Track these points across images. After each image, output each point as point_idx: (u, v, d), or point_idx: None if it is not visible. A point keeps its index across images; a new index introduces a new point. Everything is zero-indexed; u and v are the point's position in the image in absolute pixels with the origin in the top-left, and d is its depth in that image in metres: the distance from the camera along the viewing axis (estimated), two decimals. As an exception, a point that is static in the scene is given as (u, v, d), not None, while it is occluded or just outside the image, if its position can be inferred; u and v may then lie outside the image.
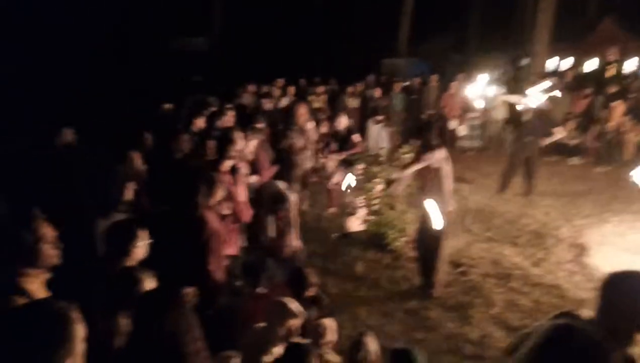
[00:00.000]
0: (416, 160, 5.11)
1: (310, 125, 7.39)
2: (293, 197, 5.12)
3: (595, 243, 6.57)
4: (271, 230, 5.71)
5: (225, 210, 4.33)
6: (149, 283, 2.50)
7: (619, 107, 10.69)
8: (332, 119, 8.27)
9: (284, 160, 6.57)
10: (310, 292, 3.82)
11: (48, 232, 2.37)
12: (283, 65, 14.18)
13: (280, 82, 11.91)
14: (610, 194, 8.71)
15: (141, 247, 2.89)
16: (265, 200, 5.56)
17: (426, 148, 5.01)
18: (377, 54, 16.83)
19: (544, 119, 8.42)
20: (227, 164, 4.60)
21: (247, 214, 4.76)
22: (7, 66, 11.44)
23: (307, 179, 7.52)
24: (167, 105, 7.61)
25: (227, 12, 18.90)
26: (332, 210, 7.54)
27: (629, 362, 1.92)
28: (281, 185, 6.03)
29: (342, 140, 7.72)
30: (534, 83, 11.43)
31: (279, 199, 5.11)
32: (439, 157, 4.99)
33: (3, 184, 4.00)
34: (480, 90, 11.46)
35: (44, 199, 2.81)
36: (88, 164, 4.36)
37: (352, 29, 19.45)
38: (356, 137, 7.72)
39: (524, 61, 15.41)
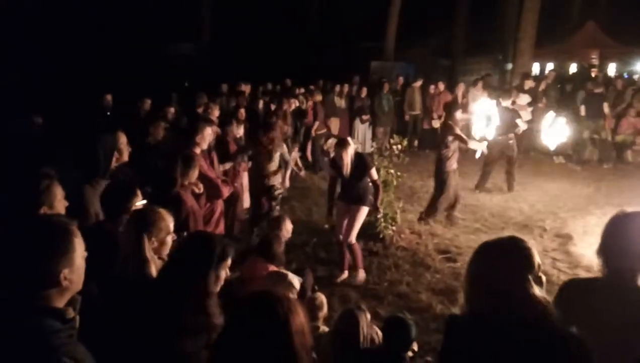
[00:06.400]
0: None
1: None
2: None
3: (579, 234, 6.73)
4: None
5: (197, 189, 4.43)
6: None
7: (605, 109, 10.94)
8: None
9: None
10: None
11: None
12: (274, 67, 14.29)
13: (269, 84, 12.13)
14: (593, 189, 8.94)
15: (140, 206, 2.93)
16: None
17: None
18: (367, 56, 17.07)
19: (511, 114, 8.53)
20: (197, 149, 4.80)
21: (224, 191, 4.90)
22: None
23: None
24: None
25: (216, 14, 19.04)
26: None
27: None
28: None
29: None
30: (518, 84, 11.74)
31: None
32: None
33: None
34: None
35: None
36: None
37: (344, 32, 19.76)
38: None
39: (508, 65, 15.69)
